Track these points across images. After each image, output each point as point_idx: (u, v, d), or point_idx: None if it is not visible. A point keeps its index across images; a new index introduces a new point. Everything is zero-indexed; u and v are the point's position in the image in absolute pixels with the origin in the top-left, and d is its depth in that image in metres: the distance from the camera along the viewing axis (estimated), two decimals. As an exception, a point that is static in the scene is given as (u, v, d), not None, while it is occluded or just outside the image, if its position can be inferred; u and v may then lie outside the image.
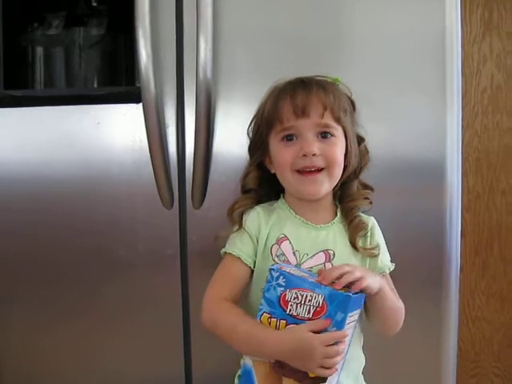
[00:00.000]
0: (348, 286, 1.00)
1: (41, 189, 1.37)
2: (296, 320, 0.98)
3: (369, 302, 1.07)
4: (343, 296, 0.95)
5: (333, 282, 0.99)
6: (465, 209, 1.84)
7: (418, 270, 1.32)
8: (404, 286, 1.21)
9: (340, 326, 0.96)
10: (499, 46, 1.88)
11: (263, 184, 1.19)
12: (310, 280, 0.98)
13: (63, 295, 1.39)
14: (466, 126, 1.84)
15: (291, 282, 0.99)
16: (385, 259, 1.17)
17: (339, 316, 0.96)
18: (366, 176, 1.20)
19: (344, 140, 1.13)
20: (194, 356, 1.38)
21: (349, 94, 1.17)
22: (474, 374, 1.94)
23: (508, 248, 1.91)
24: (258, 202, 1.19)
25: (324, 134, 1.10)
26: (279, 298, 0.99)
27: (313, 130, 1.09)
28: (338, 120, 1.11)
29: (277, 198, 1.20)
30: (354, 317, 1.00)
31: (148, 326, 1.37)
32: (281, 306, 0.99)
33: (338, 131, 1.11)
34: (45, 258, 1.39)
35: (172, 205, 1.34)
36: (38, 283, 1.39)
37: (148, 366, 1.38)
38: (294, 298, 0.98)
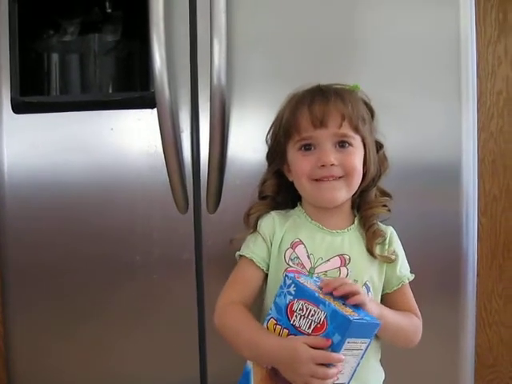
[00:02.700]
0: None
1: (55, 194, 1.38)
2: (297, 332, 0.98)
3: None
4: (343, 318, 0.92)
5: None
6: (481, 212, 1.82)
7: (434, 274, 1.32)
8: (420, 291, 1.21)
9: (336, 348, 0.93)
10: (515, 47, 1.87)
11: (281, 191, 1.19)
12: (318, 295, 0.97)
13: (78, 300, 1.39)
14: (481, 128, 1.82)
15: (301, 292, 0.98)
16: (404, 269, 1.17)
17: (336, 338, 0.93)
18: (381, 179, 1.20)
19: (362, 148, 1.13)
20: (209, 361, 1.38)
21: (368, 101, 1.17)
22: (492, 378, 1.91)
23: (525, 251, 1.89)
24: (274, 208, 1.19)
25: (342, 144, 1.10)
26: (287, 306, 0.99)
27: (330, 140, 1.09)
28: (356, 129, 1.10)
29: (294, 206, 1.20)
30: (358, 345, 0.96)
31: (163, 331, 1.38)
32: (287, 315, 0.99)
33: (356, 140, 1.11)
34: (59, 262, 1.40)
35: (187, 210, 1.34)
36: (52, 288, 1.40)
37: (163, 370, 1.39)
38: (300, 310, 0.97)
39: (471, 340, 1.37)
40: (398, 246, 1.18)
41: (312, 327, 0.96)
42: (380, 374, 1.18)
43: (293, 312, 0.98)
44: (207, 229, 1.34)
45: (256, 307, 1.13)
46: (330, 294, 0.99)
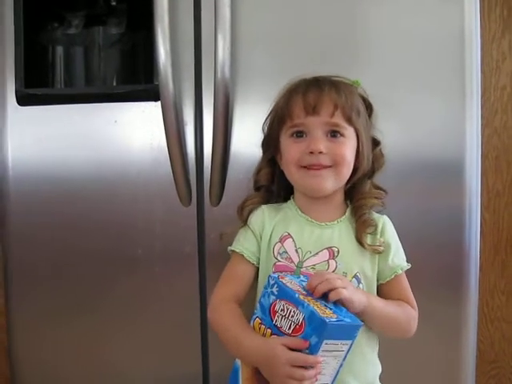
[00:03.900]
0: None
1: (59, 187, 1.38)
2: (279, 332, 0.98)
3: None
4: (320, 320, 0.92)
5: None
6: (484, 208, 1.82)
7: (437, 270, 1.32)
8: (423, 286, 1.22)
9: (313, 350, 0.94)
10: (519, 43, 1.87)
11: (275, 180, 1.20)
12: (298, 296, 0.97)
13: (81, 293, 1.40)
14: (485, 124, 1.82)
15: (282, 292, 0.99)
16: (397, 259, 1.16)
17: (313, 340, 0.93)
18: (383, 174, 1.20)
19: (355, 141, 1.13)
20: (211, 354, 1.38)
21: (366, 97, 1.17)
22: (494, 374, 1.93)
23: (528, 247, 1.89)
24: (268, 200, 1.20)
25: (333, 134, 1.10)
26: (270, 306, 1.00)
27: (322, 129, 1.10)
28: (348, 120, 1.10)
29: (287, 195, 1.20)
30: (339, 346, 0.96)
31: (165, 324, 1.38)
32: (270, 315, 1.00)
33: (349, 131, 1.11)
34: (62, 255, 1.40)
35: (190, 202, 1.35)
36: (55, 281, 1.41)
37: (166, 363, 1.39)
38: (281, 310, 0.98)
39: (473, 335, 1.37)
40: (391, 236, 1.17)
41: (292, 328, 0.96)
42: (377, 368, 1.18)
43: (275, 312, 0.99)
44: (210, 222, 1.34)
45: (250, 300, 1.14)
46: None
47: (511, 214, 1.87)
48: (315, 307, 0.95)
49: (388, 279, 1.15)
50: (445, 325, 1.33)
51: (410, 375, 1.34)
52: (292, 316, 0.96)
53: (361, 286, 1.12)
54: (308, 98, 1.09)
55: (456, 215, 1.31)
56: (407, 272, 1.18)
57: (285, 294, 0.98)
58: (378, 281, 1.16)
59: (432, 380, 1.36)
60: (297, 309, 0.96)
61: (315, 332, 0.93)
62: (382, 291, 1.16)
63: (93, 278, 1.40)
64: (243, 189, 1.27)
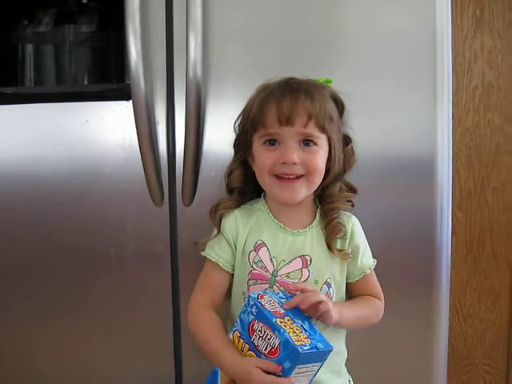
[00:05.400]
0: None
1: (30, 186, 1.37)
2: (256, 350, 1.01)
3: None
4: (293, 349, 0.96)
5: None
6: (456, 206, 1.85)
7: (408, 268, 1.33)
8: (395, 284, 1.24)
9: (286, 373, 0.98)
10: (490, 43, 1.89)
11: (247, 181, 1.20)
12: (275, 320, 1.00)
13: (53, 293, 1.39)
14: (457, 123, 1.84)
15: (261, 315, 1.01)
16: (365, 259, 1.18)
17: (287, 365, 0.97)
18: (355, 173, 1.21)
19: (327, 147, 1.13)
20: (184, 355, 1.38)
21: (338, 97, 1.16)
22: (466, 370, 1.95)
23: (500, 245, 1.91)
24: (241, 202, 1.20)
25: (306, 142, 1.10)
26: (249, 324, 1.02)
27: (295, 138, 1.09)
28: (322, 129, 1.10)
29: (259, 194, 1.20)
30: (310, 368, 1.00)
31: (138, 324, 1.38)
32: (248, 332, 1.02)
33: (321, 140, 1.11)
34: (34, 255, 1.39)
35: (162, 202, 1.34)
36: (26, 281, 1.39)
37: (137, 364, 1.39)
38: (259, 331, 1.01)
39: (445, 332, 1.38)
40: (359, 238, 1.18)
41: (268, 350, 1.00)
42: (343, 355, 1.20)
43: (253, 331, 1.02)
44: (182, 221, 1.34)
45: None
46: (294, 309, 1.03)
47: (483, 212, 1.89)
48: (291, 332, 0.98)
49: (357, 279, 1.17)
50: (417, 321, 1.35)
51: (382, 372, 1.35)
52: (269, 339, 0.99)
53: (331, 290, 1.14)
54: (282, 108, 1.08)
55: (428, 214, 1.32)
56: (380, 271, 1.19)
57: (263, 316, 1.00)
58: (346, 279, 1.17)
59: (404, 376, 1.37)
60: (273, 333, 0.98)
61: (289, 358, 0.97)
62: (351, 289, 1.19)
63: (65, 277, 1.38)
64: (216, 188, 1.27)
